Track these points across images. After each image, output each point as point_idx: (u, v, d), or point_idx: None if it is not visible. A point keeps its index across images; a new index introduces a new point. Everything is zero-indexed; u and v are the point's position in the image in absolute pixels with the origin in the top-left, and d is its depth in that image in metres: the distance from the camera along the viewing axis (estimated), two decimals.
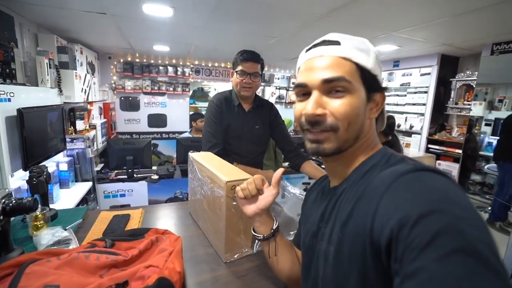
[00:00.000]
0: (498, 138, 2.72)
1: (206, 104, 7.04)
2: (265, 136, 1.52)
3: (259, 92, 5.15)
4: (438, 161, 3.28)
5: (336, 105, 0.48)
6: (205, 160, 1.05)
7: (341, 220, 0.48)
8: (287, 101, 5.34)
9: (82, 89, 2.75)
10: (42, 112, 1.91)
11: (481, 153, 2.98)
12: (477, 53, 2.78)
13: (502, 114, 2.84)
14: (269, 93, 5.19)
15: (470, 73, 2.93)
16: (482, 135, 2.96)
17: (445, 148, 3.21)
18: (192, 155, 1.14)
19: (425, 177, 0.39)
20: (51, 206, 1.20)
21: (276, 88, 5.26)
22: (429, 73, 3.24)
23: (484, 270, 0.29)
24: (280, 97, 5.33)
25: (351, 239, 0.44)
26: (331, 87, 0.48)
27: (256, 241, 0.73)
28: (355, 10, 1.79)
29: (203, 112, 4.21)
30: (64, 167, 2.32)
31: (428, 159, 3.28)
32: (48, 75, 2.15)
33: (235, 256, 0.88)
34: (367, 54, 0.50)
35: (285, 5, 1.77)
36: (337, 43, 0.50)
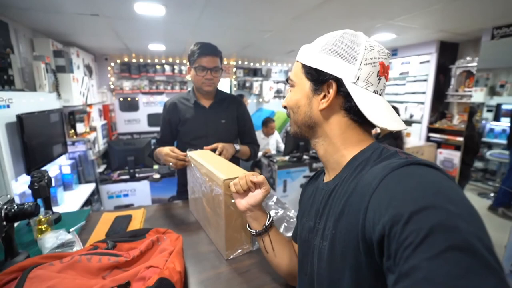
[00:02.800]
0: (510, 124, 2.68)
1: None
2: (233, 130, 1.48)
3: (257, 87, 5.14)
4: (439, 150, 3.27)
5: (286, 97, 0.60)
6: (203, 158, 1.06)
7: (334, 216, 0.48)
8: (285, 95, 5.32)
9: (81, 92, 2.76)
10: (41, 117, 1.92)
11: (483, 139, 2.96)
12: (477, 38, 2.74)
13: (505, 99, 2.80)
14: (267, 88, 5.17)
15: (470, 59, 2.89)
16: (483, 122, 2.93)
17: (446, 137, 3.19)
18: (190, 153, 1.15)
19: (417, 171, 0.39)
20: (55, 209, 1.21)
21: (274, 82, 5.24)
22: (428, 61, 3.20)
23: (480, 267, 0.28)
24: (278, 91, 5.31)
25: (343, 236, 0.45)
26: (289, 84, 0.60)
27: (252, 236, 0.76)
28: (349, 0, 1.77)
29: None
30: (67, 170, 2.35)
31: (429, 148, 3.27)
32: (45, 79, 2.16)
33: (236, 253, 0.90)
34: (311, 53, 0.53)
35: None
36: (300, 51, 0.58)
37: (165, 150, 1.18)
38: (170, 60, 4.36)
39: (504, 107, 2.76)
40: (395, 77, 3.73)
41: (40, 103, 2.03)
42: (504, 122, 2.75)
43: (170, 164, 1.16)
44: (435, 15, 2.13)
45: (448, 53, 3.12)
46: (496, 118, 2.85)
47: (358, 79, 0.48)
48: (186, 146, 1.36)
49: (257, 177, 0.72)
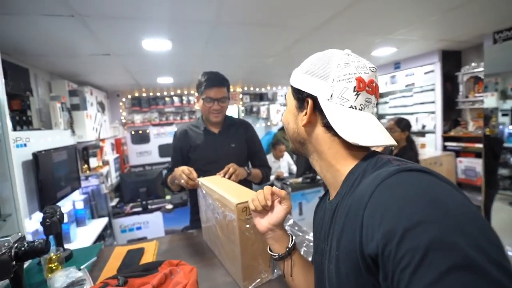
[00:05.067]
0: None
1: None
2: (243, 154, 1.48)
3: (264, 111, 5.21)
4: (458, 159, 3.12)
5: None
6: (214, 184, 1.03)
7: (336, 236, 0.46)
8: None
9: (94, 127, 2.85)
10: (56, 154, 1.97)
11: (505, 145, 2.82)
12: (479, 44, 2.73)
13: None
14: (274, 111, 5.23)
15: (476, 64, 2.86)
16: (501, 127, 2.82)
17: (463, 144, 3.06)
18: (201, 180, 1.13)
19: (409, 178, 0.36)
20: (68, 246, 1.19)
21: (281, 105, 5.31)
22: (432, 71, 3.19)
23: (485, 285, 0.26)
24: None
25: (345, 255, 0.42)
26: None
27: (273, 261, 0.70)
28: (348, 19, 1.82)
29: None
30: (80, 205, 2.36)
31: (448, 157, 3.13)
32: (61, 117, 2.25)
33: (255, 283, 0.83)
34: (296, 74, 0.57)
35: (278, 22, 1.82)
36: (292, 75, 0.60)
37: (182, 167, 1.18)
38: (179, 91, 4.53)
39: None
40: (401, 89, 3.71)
41: (55, 140, 2.10)
42: None
43: (182, 181, 1.15)
44: (434, 26, 2.15)
45: (451, 61, 3.10)
46: None
47: (331, 95, 0.49)
48: (198, 172, 1.34)
49: (276, 190, 0.68)
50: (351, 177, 0.48)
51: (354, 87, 0.48)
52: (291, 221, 1.35)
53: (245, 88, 5.03)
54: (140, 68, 2.77)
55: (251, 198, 0.70)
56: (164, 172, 1.60)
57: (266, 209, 0.68)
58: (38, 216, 1.75)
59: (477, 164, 2.91)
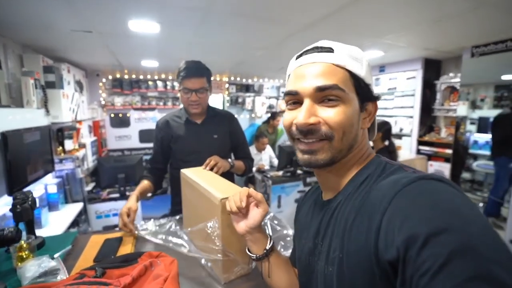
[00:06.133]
0: (491, 136, 2.79)
1: None
2: (226, 145, 1.48)
3: (249, 103, 5.18)
4: (430, 162, 3.32)
5: (331, 114, 0.45)
6: (198, 176, 1.02)
7: (338, 237, 0.45)
8: (277, 110, 5.38)
9: (70, 108, 2.70)
10: (27, 134, 1.85)
11: (469, 151, 3.04)
12: (458, 56, 2.88)
13: (485, 112, 2.94)
14: (259, 103, 5.22)
15: (453, 75, 3.02)
16: (467, 134, 3.04)
17: (435, 149, 3.26)
18: (184, 171, 1.12)
19: (429, 186, 0.36)
20: (39, 232, 1.14)
21: (266, 98, 5.30)
22: (414, 77, 3.32)
23: None
24: (270, 107, 5.36)
25: (352, 259, 0.42)
26: (324, 95, 0.46)
27: (251, 260, 0.71)
28: (341, 18, 1.84)
29: None
30: (53, 189, 2.25)
31: (420, 160, 3.32)
32: (34, 95, 2.10)
33: (234, 276, 0.85)
34: (360, 62, 0.48)
35: (271, 16, 1.79)
36: (330, 50, 0.48)
37: (124, 208, 1.18)
38: (163, 76, 4.37)
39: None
40: (383, 92, 3.84)
41: (27, 119, 1.96)
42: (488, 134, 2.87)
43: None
44: (420, 34, 2.23)
45: (432, 69, 3.25)
46: (480, 130, 2.96)
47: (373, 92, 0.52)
48: (180, 163, 1.34)
49: (253, 192, 0.68)
50: (358, 179, 0.48)
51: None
52: (271, 215, 1.38)
53: (232, 78, 4.96)
54: (125, 49, 2.64)
55: (228, 200, 0.71)
56: (145, 158, 1.59)
57: (241, 212, 0.68)
58: (6, 200, 1.65)
59: (446, 169, 3.12)
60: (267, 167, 3.81)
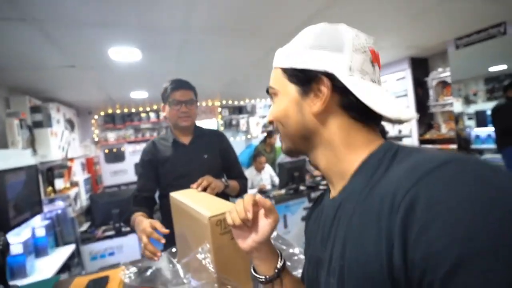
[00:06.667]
0: (494, 129, 2.72)
1: None
2: (217, 165, 1.39)
3: (243, 124, 5.17)
4: None
5: (271, 109, 0.51)
6: (187, 197, 0.92)
7: (340, 241, 0.37)
8: (273, 128, 5.34)
9: (60, 146, 2.65)
10: (9, 175, 1.77)
11: (472, 146, 2.96)
12: (443, 51, 2.89)
13: (481, 106, 2.90)
14: (254, 124, 5.20)
15: (442, 69, 3.02)
16: (467, 129, 2.97)
17: (439, 146, 3.16)
18: (173, 194, 0.99)
19: (471, 172, 0.27)
20: (25, 280, 1.02)
21: (260, 117, 5.30)
22: (404, 77, 3.32)
23: None
24: (265, 126, 5.34)
25: (355, 270, 0.33)
26: (271, 95, 0.52)
27: (258, 284, 0.57)
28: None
29: None
30: (41, 232, 2.11)
31: None
32: (19, 135, 2.06)
33: None
34: (291, 53, 0.46)
35: (250, 29, 1.80)
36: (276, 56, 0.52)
37: (144, 223, 0.98)
38: (155, 107, 4.40)
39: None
40: None
41: (10, 160, 1.89)
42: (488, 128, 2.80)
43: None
44: (401, 33, 2.25)
45: (420, 67, 3.26)
46: (479, 124, 2.90)
47: (351, 68, 0.41)
48: (169, 188, 1.20)
49: (260, 199, 0.55)
50: (366, 167, 0.39)
51: (371, 59, 0.42)
52: (274, 234, 1.25)
53: (224, 102, 4.99)
54: (111, 81, 2.65)
55: (228, 209, 0.58)
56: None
57: (247, 224, 0.55)
58: None
59: None
60: (268, 186, 3.68)
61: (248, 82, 3.47)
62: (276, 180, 3.74)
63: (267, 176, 3.83)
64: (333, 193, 0.46)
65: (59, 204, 2.50)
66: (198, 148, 1.34)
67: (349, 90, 0.40)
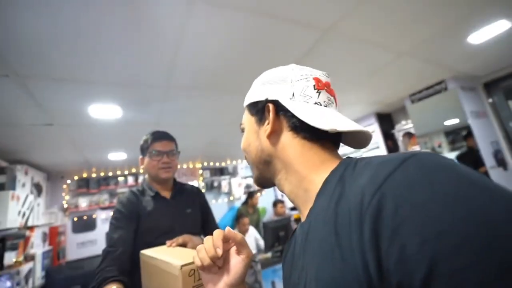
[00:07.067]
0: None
1: None
2: (198, 221, 1.32)
3: (225, 185, 5.07)
4: None
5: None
6: (157, 252, 0.82)
7: (312, 263, 0.35)
8: (255, 189, 5.26)
9: (20, 212, 2.40)
10: None
11: None
12: (402, 107, 3.26)
13: (447, 155, 3.10)
14: (236, 185, 5.13)
15: (405, 122, 3.32)
16: None
17: None
18: (144, 252, 0.87)
19: (434, 166, 0.27)
20: None
21: (242, 178, 5.27)
22: (373, 131, 3.59)
23: None
24: (247, 186, 5.27)
25: None
26: (242, 131, 0.57)
27: None
28: None
29: None
30: None
31: None
32: None
33: None
34: (249, 93, 0.55)
35: (229, 88, 1.96)
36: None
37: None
38: (133, 170, 4.28)
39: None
40: (350, 151, 4.03)
41: None
42: None
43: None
44: (364, 89, 2.54)
45: (386, 122, 3.59)
46: None
47: (293, 94, 0.47)
48: (152, 246, 1.01)
49: (230, 232, 0.50)
50: (328, 187, 0.39)
51: (314, 85, 0.47)
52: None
53: (205, 164, 5.00)
54: (89, 141, 2.63)
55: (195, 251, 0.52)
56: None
57: (217, 264, 0.49)
58: None
59: None
60: (254, 251, 3.40)
61: (229, 140, 3.58)
62: (261, 243, 3.49)
63: (252, 239, 3.58)
64: (302, 219, 0.45)
65: (4, 284, 2.10)
66: (180, 202, 1.27)
67: (289, 110, 0.45)
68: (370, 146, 3.68)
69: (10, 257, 2.26)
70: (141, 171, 4.36)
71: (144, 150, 1.25)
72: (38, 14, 1.03)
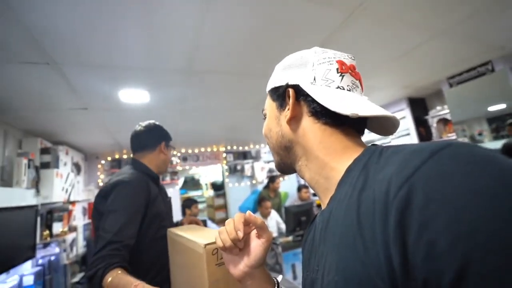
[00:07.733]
0: None
1: (199, 193, 6.81)
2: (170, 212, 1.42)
3: (248, 169, 5.16)
4: None
5: None
6: (183, 230, 0.87)
7: (333, 254, 0.34)
8: (277, 173, 5.30)
9: (63, 188, 2.65)
10: (6, 214, 1.73)
11: None
12: (438, 90, 3.01)
13: (488, 145, 2.85)
14: (259, 169, 5.19)
15: (441, 107, 3.08)
16: None
17: None
18: (171, 229, 0.94)
19: (470, 157, 0.24)
20: None
21: (265, 162, 5.30)
22: (404, 117, 3.39)
23: None
24: (270, 171, 5.31)
25: (350, 282, 0.30)
26: (264, 117, 0.57)
27: None
28: None
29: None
30: (29, 280, 1.96)
31: None
32: (25, 175, 2.09)
33: None
34: (270, 79, 0.54)
35: (251, 72, 1.95)
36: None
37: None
38: None
39: None
40: (378, 137, 3.85)
41: (12, 199, 1.88)
42: None
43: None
44: (395, 71, 2.38)
45: (419, 107, 3.35)
46: None
47: (315, 78, 0.45)
48: (155, 231, 1.10)
49: (251, 216, 0.51)
50: (351, 175, 0.37)
51: (337, 69, 0.45)
52: (280, 277, 1.14)
53: (228, 147, 5.09)
54: (120, 124, 2.78)
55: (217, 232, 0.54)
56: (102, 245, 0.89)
57: (238, 246, 0.51)
58: None
59: None
60: (275, 234, 3.49)
61: (253, 125, 3.59)
62: (283, 226, 3.55)
63: (274, 223, 3.65)
64: (323, 206, 0.44)
65: (53, 250, 2.38)
66: (163, 190, 1.35)
67: (310, 95, 0.43)
68: (400, 132, 3.50)
69: (57, 227, 2.54)
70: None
71: (166, 138, 1.32)
72: (73, 7, 1.10)
